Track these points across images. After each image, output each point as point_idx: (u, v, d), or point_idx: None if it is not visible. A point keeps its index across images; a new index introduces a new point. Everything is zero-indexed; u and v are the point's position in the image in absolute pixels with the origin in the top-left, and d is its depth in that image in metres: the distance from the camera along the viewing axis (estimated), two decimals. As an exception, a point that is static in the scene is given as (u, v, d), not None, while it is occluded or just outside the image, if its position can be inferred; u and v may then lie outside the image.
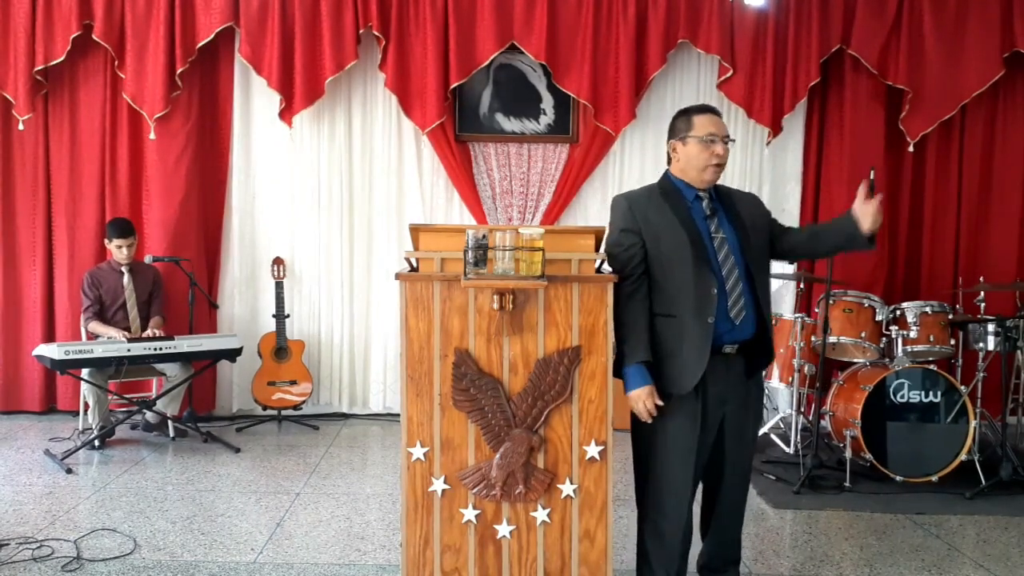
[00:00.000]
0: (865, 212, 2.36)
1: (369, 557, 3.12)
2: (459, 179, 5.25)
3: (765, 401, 5.02)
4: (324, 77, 5.05)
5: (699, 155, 2.42)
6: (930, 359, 4.44)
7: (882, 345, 4.47)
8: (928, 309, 4.40)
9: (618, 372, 2.41)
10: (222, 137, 5.30)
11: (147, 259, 4.87)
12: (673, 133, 2.50)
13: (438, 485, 2.40)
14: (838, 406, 4.34)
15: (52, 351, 4.13)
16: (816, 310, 4.81)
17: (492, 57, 5.07)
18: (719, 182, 2.51)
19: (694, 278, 2.35)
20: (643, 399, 2.36)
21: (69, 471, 4.09)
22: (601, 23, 5.10)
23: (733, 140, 2.48)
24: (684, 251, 2.37)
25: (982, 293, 4.50)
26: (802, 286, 4.89)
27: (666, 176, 2.53)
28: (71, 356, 4.15)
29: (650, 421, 2.38)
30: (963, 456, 4.06)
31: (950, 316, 4.49)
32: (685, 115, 2.47)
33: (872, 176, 4.41)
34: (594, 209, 5.38)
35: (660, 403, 2.37)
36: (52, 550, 3.09)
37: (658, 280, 2.41)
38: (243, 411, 5.36)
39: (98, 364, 4.33)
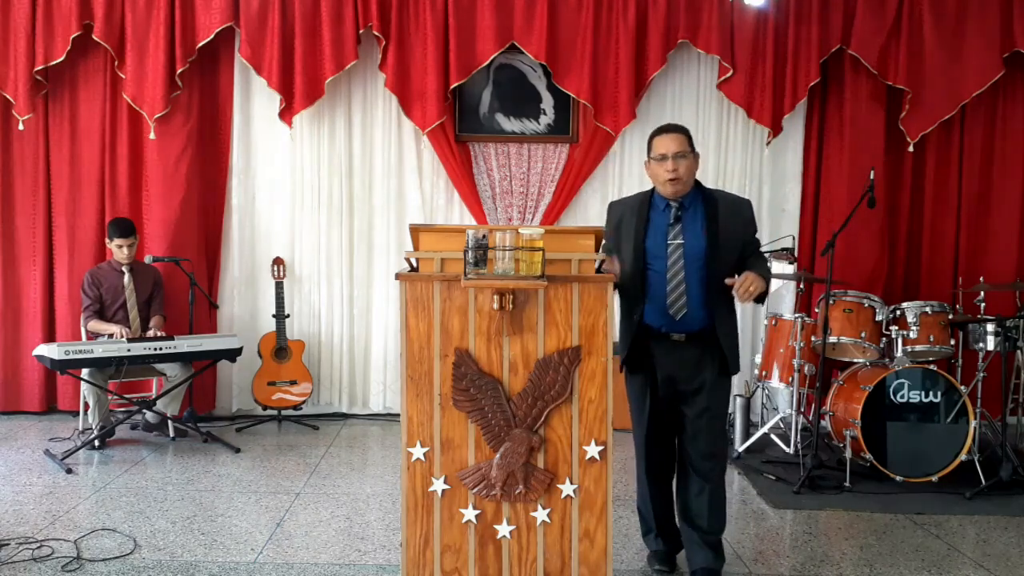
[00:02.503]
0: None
1: (369, 557, 3.12)
2: (459, 179, 5.25)
3: (765, 401, 5.04)
4: (324, 77, 5.05)
5: (656, 173, 2.74)
6: (930, 359, 4.44)
7: (882, 345, 4.47)
8: (928, 309, 4.40)
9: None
10: (222, 137, 5.30)
11: (147, 259, 4.87)
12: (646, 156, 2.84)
13: (438, 485, 2.40)
14: (838, 406, 4.34)
15: (52, 351, 4.13)
16: (816, 310, 4.81)
17: (492, 57, 5.06)
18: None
19: (638, 279, 2.72)
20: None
21: (69, 471, 4.09)
22: (601, 23, 5.10)
23: (686, 154, 2.71)
24: (631, 255, 2.73)
25: (982, 293, 4.50)
26: (802, 286, 4.89)
27: (653, 188, 2.83)
28: (71, 356, 4.15)
29: None
30: (963, 456, 4.06)
31: (950, 316, 4.49)
32: (650, 139, 2.79)
33: (872, 177, 4.41)
34: (594, 209, 5.38)
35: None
36: (52, 550, 3.08)
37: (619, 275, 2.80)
38: (243, 411, 5.35)
39: (98, 364, 4.33)
